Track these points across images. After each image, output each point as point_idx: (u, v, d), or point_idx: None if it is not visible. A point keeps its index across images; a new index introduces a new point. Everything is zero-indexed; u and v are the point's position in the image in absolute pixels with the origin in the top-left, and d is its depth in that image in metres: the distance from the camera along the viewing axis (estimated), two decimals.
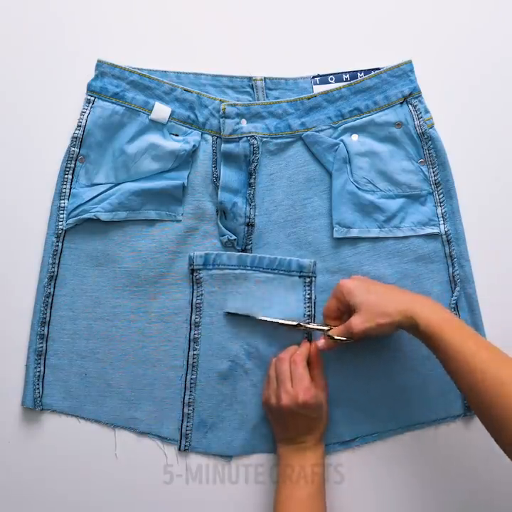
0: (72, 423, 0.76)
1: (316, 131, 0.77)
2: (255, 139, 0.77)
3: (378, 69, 0.78)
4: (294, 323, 0.73)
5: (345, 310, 0.70)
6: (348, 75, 0.79)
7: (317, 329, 0.72)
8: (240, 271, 0.76)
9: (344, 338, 0.68)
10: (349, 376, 0.75)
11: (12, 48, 0.82)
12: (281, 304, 0.75)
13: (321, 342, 0.71)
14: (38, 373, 0.75)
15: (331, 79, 0.79)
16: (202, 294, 0.75)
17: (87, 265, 0.77)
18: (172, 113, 0.77)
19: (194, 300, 0.76)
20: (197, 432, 0.75)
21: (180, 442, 0.75)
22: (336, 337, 0.69)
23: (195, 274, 0.76)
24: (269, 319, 0.74)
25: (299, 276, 0.75)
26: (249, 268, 0.76)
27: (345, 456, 0.75)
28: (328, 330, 0.70)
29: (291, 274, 0.76)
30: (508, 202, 0.80)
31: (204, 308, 0.75)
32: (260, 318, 0.74)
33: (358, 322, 0.66)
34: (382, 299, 0.67)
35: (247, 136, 0.77)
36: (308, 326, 0.73)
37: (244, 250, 0.77)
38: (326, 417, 0.72)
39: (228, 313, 0.75)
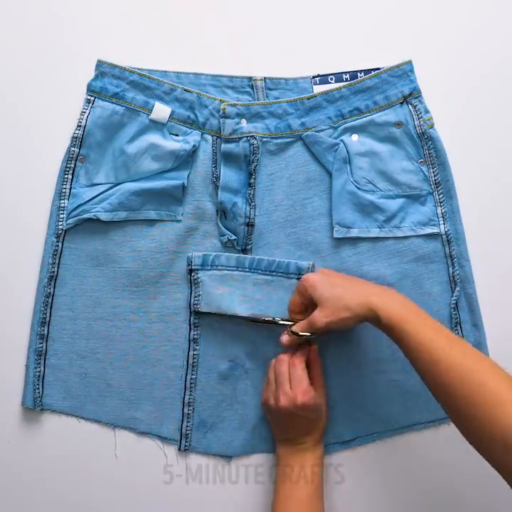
0: (72, 423, 0.76)
1: (316, 131, 0.77)
2: (255, 139, 0.77)
3: (378, 69, 0.78)
4: (260, 319, 0.73)
5: (308, 304, 0.70)
6: (348, 75, 0.79)
7: (283, 323, 0.72)
8: (238, 272, 0.76)
9: (308, 334, 0.68)
10: (349, 376, 0.75)
11: (12, 48, 0.82)
12: (278, 305, 0.75)
13: (284, 338, 0.70)
14: (38, 373, 0.75)
15: (331, 79, 0.79)
16: (200, 295, 0.75)
17: (87, 265, 0.77)
18: (172, 113, 0.77)
19: (192, 301, 0.75)
20: (197, 431, 0.75)
21: (180, 442, 0.75)
22: (300, 333, 0.68)
23: (193, 275, 0.76)
24: (230, 313, 0.74)
25: (297, 279, 0.75)
26: (247, 270, 0.76)
27: (345, 456, 0.75)
28: (292, 325, 0.70)
29: (290, 277, 0.75)
30: (508, 202, 0.80)
31: (202, 308, 0.75)
32: (223, 314, 0.74)
33: (320, 316, 0.66)
34: (344, 293, 0.66)
35: (247, 136, 0.77)
36: (273, 320, 0.73)
37: (244, 250, 0.77)
38: (325, 418, 0.72)
39: (196, 312, 0.75)
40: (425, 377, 0.61)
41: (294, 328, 0.69)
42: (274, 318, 0.73)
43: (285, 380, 0.69)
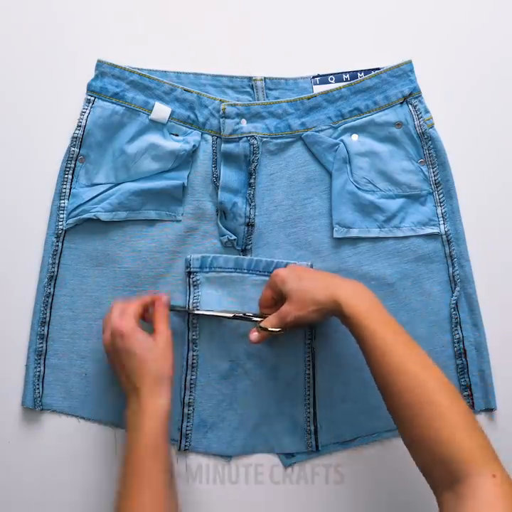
0: (72, 423, 0.76)
1: (316, 131, 0.77)
2: (255, 139, 0.77)
3: (378, 69, 0.78)
4: (230, 315, 0.73)
5: (279, 299, 0.70)
6: (348, 75, 0.79)
7: (252, 318, 0.72)
8: (237, 274, 0.76)
9: (277, 329, 0.69)
10: (349, 377, 0.75)
11: (12, 48, 0.82)
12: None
13: (253, 335, 0.70)
14: (38, 373, 0.75)
15: (331, 79, 0.79)
16: (199, 296, 0.75)
17: (87, 265, 0.77)
18: (172, 113, 0.77)
19: (191, 301, 0.75)
20: (197, 432, 0.75)
21: (180, 442, 0.75)
22: (269, 328, 0.69)
23: (191, 277, 0.75)
24: (202, 312, 0.74)
25: None
26: (245, 271, 0.76)
27: (345, 456, 0.75)
28: (261, 321, 0.70)
29: None
30: (508, 202, 0.80)
31: (201, 311, 0.75)
32: (195, 312, 0.74)
33: (289, 310, 0.67)
34: (311, 286, 0.67)
35: (247, 136, 0.77)
36: (243, 315, 0.73)
37: (244, 250, 0.77)
38: (160, 361, 0.66)
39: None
40: (376, 378, 0.61)
41: (264, 324, 0.69)
42: (244, 314, 0.73)
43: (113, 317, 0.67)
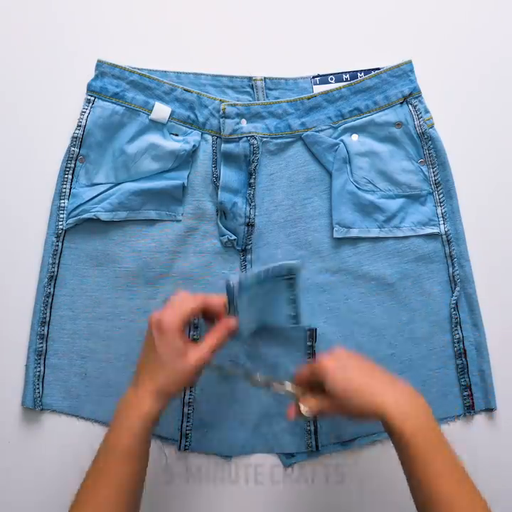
0: (72, 423, 0.76)
1: (316, 131, 0.77)
2: (255, 139, 0.77)
3: (378, 69, 0.78)
4: (262, 378, 0.67)
5: (318, 383, 0.64)
6: (348, 75, 0.79)
7: (289, 393, 0.66)
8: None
9: (311, 416, 0.63)
10: None
11: (12, 48, 0.82)
12: (271, 306, 0.73)
13: (291, 415, 0.64)
14: (38, 373, 0.75)
15: (331, 79, 0.79)
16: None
17: (87, 265, 0.77)
18: (172, 113, 0.77)
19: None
20: (197, 431, 0.75)
21: (180, 442, 0.75)
22: (305, 413, 0.63)
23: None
24: (238, 372, 0.72)
25: (285, 279, 0.69)
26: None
27: (345, 456, 0.75)
28: (299, 400, 0.64)
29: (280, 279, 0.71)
30: (508, 202, 0.80)
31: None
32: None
33: (330, 407, 0.62)
34: (358, 392, 0.60)
35: (247, 136, 0.77)
36: (277, 383, 0.67)
37: (244, 250, 0.77)
38: (172, 377, 0.61)
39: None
40: (417, 505, 0.57)
41: (303, 410, 0.63)
42: (282, 383, 0.66)
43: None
